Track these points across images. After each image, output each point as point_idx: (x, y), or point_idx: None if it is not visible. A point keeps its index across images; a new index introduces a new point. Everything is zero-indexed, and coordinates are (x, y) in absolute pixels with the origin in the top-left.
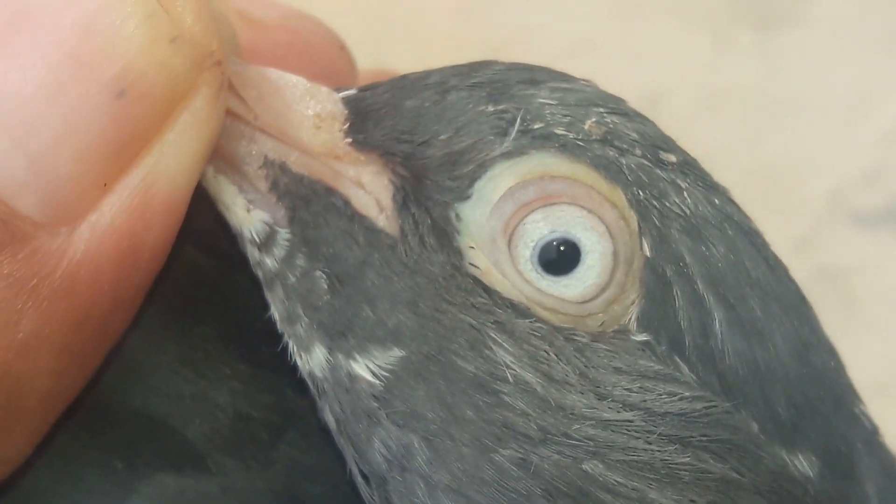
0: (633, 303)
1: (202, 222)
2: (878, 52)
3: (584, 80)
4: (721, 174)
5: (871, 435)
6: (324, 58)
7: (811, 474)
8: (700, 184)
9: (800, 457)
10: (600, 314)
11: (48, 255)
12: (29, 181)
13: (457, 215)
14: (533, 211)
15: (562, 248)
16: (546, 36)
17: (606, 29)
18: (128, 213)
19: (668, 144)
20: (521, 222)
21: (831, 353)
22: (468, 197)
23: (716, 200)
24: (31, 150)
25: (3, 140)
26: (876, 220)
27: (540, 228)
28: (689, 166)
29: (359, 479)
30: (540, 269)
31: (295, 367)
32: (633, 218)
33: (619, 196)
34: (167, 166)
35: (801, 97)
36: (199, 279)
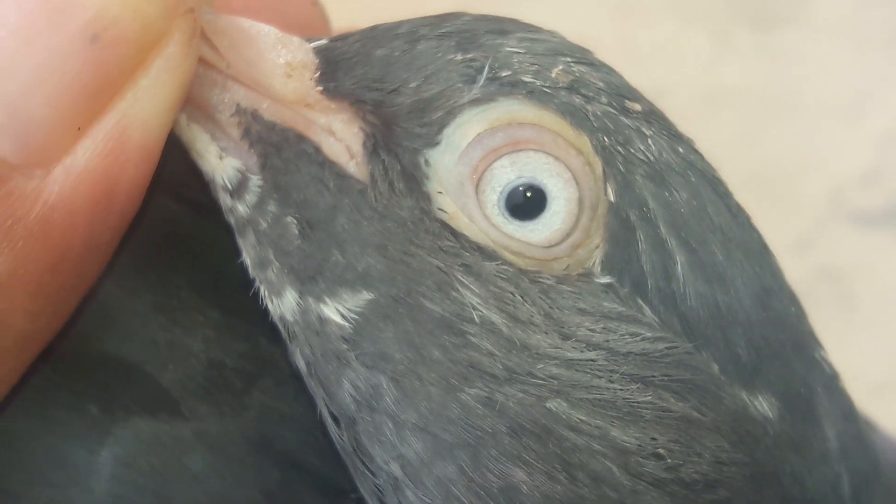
0: (597, 247)
1: (176, 171)
2: (878, 52)
3: (550, 30)
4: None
5: (831, 379)
6: (295, 10)
7: (771, 415)
8: (665, 132)
9: (760, 398)
10: (565, 258)
11: (23, 197)
12: (4, 124)
13: (426, 161)
14: (500, 157)
15: (528, 194)
16: None
17: (606, 29)
18: (102, 156)
19: (634, 94)
20: (489, 167)
21: (792, 299)
22: (437, 143)
23: (679, 149)
24: (5, 94)
25: None
26: (876, 220)
27: (507, 174)
28: (653, 115)
29: (329, 421)
30: (507, 214)
31: (267, 315)
32: (597, 164)
33: (585, 142)
34: (141, 111)
35: (801, 97)
36: (172, 227)
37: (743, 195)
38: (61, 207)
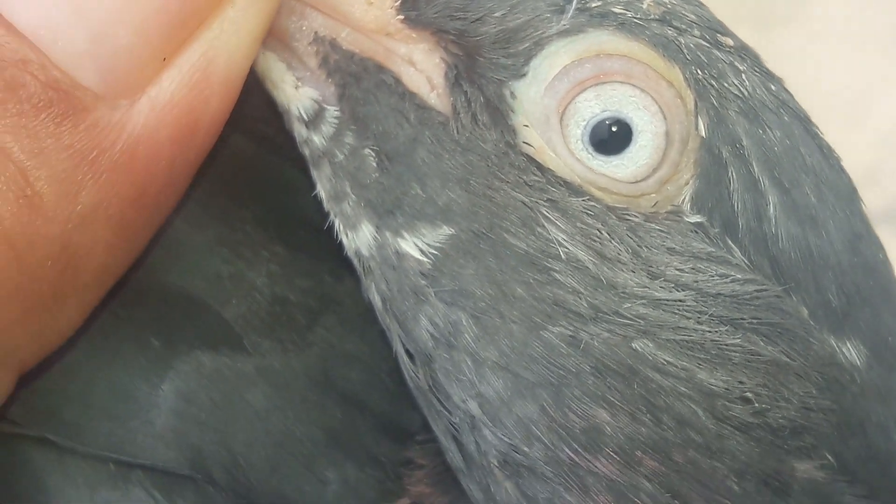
0: (687, 183)
1: (244, 104)
2: (878, 52)
3: None
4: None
5: None
6: None
7: (859, 363)
8: (757, 69)
9: (848, 345)
10: (653, 194)
11: (108, 128)
12: (90, 52)
13: (511, 93)
14: (586, 89)
15: (614, 128)
16: None
17: None
18: (187, 87)
19: (725, 29)
20: (573, 101)
21: (880, 246)
22: (523, 75)
23: (772, 86)
24: (92, 21)
25: (65, 10)
26: (876, 220)
27: (592, 107)
28: (746, 51)
29: (404, 358)
30: (591, 149)
31: (332, 252)
32: (689, 97)
33: (677, 74)
34: (227, 42)
35: (801, 97)
36: (239, 161)
37: None
38: (146, 139)
